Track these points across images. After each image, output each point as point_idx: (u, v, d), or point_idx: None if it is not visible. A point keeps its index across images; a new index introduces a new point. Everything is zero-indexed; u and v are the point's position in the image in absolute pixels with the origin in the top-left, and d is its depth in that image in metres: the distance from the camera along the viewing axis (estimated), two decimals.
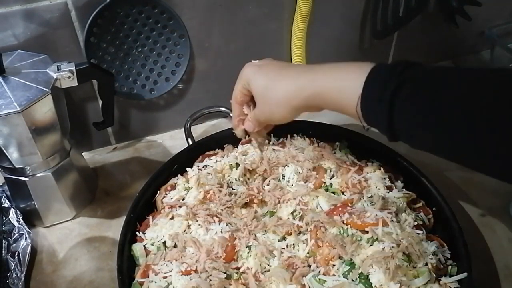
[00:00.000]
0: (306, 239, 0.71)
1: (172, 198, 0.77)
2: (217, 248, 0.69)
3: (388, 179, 0.79)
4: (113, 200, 0.88)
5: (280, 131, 0.87)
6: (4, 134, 0.71)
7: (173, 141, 1.01)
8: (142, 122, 0.99)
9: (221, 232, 0.71)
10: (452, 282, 0.67)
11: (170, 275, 0.67)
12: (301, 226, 0.71)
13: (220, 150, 0.86)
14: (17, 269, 0.74)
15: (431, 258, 0.68)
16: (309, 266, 0.68)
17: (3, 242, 0.77)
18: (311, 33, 0.97)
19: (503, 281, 0.76)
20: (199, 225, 0.73)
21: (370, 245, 0.69)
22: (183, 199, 0.77)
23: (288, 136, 0.88)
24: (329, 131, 0.88)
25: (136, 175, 0.93)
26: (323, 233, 0.70)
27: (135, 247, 0.73)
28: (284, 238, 0.72)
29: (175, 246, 0.72)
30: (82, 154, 0.91)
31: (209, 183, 0.77)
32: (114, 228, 0.83)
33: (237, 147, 0.86)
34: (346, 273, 0.66)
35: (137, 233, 0.74)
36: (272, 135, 0.87)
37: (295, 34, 0.96)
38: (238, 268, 0.69)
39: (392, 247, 0.67)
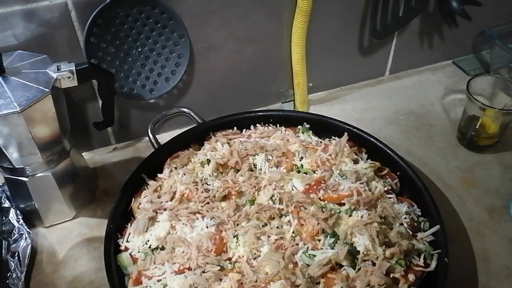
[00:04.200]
0: (289, 220, 0.73)
1: (148, 203, 0.77)
2: (206, 242, 0.70)
3: (353, 153, 0.84)
4: (113, 200, 0.88)
5: (242, 123, 0.91)
6: (4, 134, 0.71)
7: None
8: (142, 122, 0.99)
9: (207, 227, 0.72)
10: (427, 236, 0.74)
11: (165, 277, 0.67)
12: (282, 209, 0.74)
13: (186, 150, 0.86)
14: (17, 269, 0.74)
15: (405, 218, 0.75)
16: (297, 244, 0.70)
17: (3, 242, 0.77)
18: (311, 33, 0.97)
19: (504, 281, 0.76)
20: (183, 224, 0.73)
21: (350, 216, 0.73)
22: (158, 197, 0.78)
23: (252, 126, 0.91)
24: (289, 118, 0.93)
25: None
26: (304, 211, 0.73)
27: (122, 256, 0.72)
28: (267, 223, 0.74)
29: (162, 249, 0.72)
30: (82, 154, 0.91)
31: (184, 183, 0.78)
32: None
33: (203, 145, 0.87)
34: (332, 244, 0.69)
35: (120, 242, 0.74)
36: (235, 127, 0.90)
37: (295, 34, 0.96)
38: (229, 259, 0.70)
39: (369, 213, 0.72)
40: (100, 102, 0.84)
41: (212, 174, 0.80)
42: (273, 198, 0.76)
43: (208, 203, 0.76)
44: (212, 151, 0.84)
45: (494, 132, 0.93)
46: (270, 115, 0.92)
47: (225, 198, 0.77)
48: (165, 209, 0.75)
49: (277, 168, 0.82)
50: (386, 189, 0.79)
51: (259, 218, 0.73)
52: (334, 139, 0.87)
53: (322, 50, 1.03)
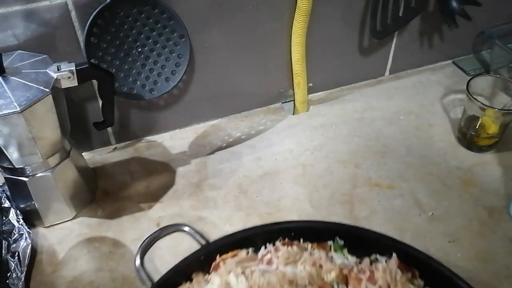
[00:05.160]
0: None
1: None
2: None
3: (409, 282, 0.64)
4: (113, 200, 0.88)
5: (256, 240, 0.70)
6: (4, 134, 0.71)
7: (173, 141, 1.01)
8: (142, 122, 0.99)
9: None
10: None
11: None
12: None
13: (189, 282, 0.66)
14: (17, 269, 0.74)
15: None
16: None
17: (3, 242, 0.77)
18: (311, 33, 0.97)
19: (503, 282, 0.75)
20: None
21: None
22: None
23: (271, 246, 0.70)
24: (315, 230, 0.71)
25: (136, 175, 0.93)
26: None
27: None
28: None
29: None
30: (82, 154, 0.91)
31: None
32: (114, 228, 0.83)
33: (209, 273, 0.68)
34: None
35: None
36: (250, 248, 0.70)
37: (295, 34, 0.96)
38: None
39: None
40: (100, 102, 0.84)
41: None
42: None
43: None
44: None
45: (494, 132, 0.93)
46: (291, 227, 0.71)
47: None
48: None
49: None
50: None
51: None
52: (377, 260, 0.67)
53: (322, 50, 1.03)
